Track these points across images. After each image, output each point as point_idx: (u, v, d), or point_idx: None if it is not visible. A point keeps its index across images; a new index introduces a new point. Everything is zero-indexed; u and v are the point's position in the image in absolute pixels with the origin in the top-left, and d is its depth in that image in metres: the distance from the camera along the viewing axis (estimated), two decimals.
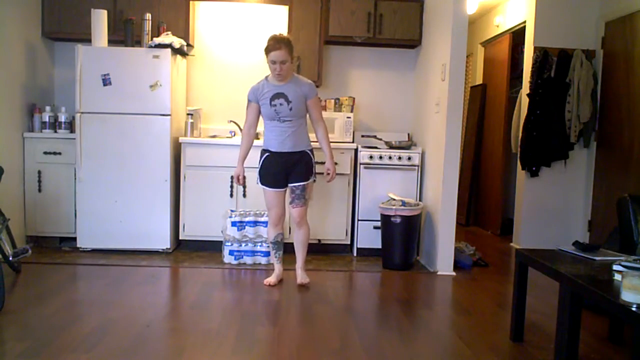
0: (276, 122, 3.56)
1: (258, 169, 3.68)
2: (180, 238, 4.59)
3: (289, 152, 3.60)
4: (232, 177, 4.52)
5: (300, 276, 3.75)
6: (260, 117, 3.69)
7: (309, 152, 3.67)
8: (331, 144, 4.61)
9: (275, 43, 3.41)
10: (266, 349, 2.63)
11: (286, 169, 3.61)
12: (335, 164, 3.85)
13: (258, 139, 4.91)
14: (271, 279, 3.73)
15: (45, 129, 4.51)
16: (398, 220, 4.20)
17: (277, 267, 3.79)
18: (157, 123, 4.35)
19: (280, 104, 3.51)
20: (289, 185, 3.67)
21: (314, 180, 3.76)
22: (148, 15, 4.46)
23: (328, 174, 3.71)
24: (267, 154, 3.64)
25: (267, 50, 3.44)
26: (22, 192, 4.47)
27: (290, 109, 3.52)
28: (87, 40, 4.41)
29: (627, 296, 1.95)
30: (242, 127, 4.91)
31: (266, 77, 3.62)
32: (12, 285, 3.51)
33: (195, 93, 5.06)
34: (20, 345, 2.56)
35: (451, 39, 4.07)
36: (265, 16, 5.04)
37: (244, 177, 3.71)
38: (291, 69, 3.54)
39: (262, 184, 3.66)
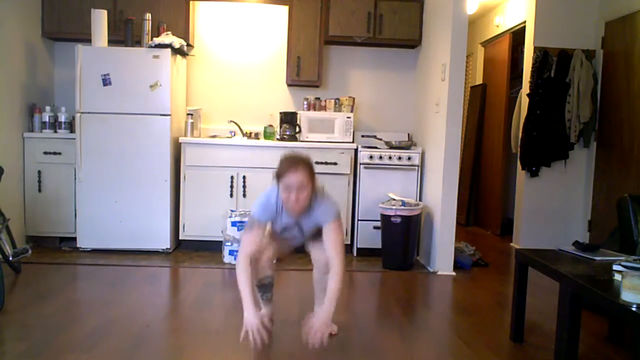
0: (282, 239, 2.85)
1: (254, 210, 2.75)
2: (180, 238, 4.59)
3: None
4: (232, 177, 4.52)
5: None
6: None
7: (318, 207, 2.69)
8: (331, 143, 4.65)
9: (291, 163, 2.54)
10: (266, 349, 2.63)
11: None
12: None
13: (258, 138, 4.94)
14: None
15: (45, 129, 4.51)
16: (398, 220, 4.20)
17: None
18: (157, 123, 4.35)
19: (293, 237, 2.83)
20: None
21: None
22: (148, 15, 4.46)
23: (309, 332, 2.43)
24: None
25: (280, 172, 2.55)
26: (22, 192, 4.47)
27: (303, 236, 2.80)
28: (87, 40, 4.41)
29: (627, 296, 1.95)
30: (242, 127, 4.94)
31: (279, 197, 2.64)
32: (12, 285, 3.50)
33: (195, 93, 5.06)
34: (20, 345, 2.56)
35: (451, 39, 4.07)
36: (265, 16, 5.04)
37: (266, 324, 2.53)
38: (309, 200, 2.59)
39: (259, 220, 2.71)
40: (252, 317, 2.45)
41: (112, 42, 4.47)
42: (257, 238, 2.66)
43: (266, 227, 2.73)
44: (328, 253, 2.59)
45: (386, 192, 4.52)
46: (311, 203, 2.60)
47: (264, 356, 2.58)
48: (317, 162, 4.54)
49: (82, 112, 4.30)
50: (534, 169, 5.12)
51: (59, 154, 4.48)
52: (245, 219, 4.26)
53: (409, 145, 4.74)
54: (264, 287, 2.85)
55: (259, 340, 2.41)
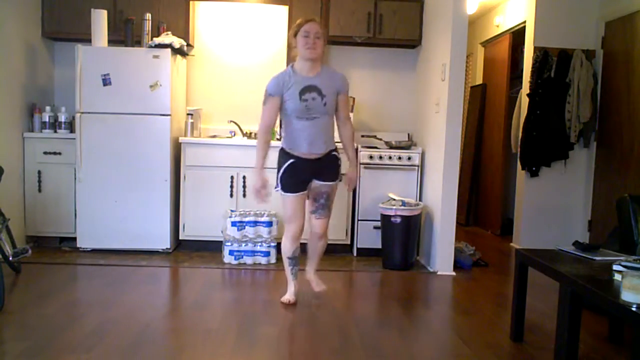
0: (305, 121, 3.05)
1: (279, 175, 3.16)
2: (180, 238, 4.59)
3: (318, 155, 3.13)
4: (232, 177, 4.52)
5: (316, 282, 3.42)
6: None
7: (337, 153, 3.24)
8: None
9: (308, 18, 3.12)
10: (266, 349, 2.63)
11: (313, 174, 3.17)
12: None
13: (255, 138, 4.92)
14: (290, 297, 3.28)
15: (45, 129, 4.51)
16: (398, 220, 4.20)
17: (294, 284, 3.32)
18: (157, 123, 4.35)
19: (313, 99, 3.02)
20: (314, 188, 3.20)
21: (340, 181, 3.31)
22: (148, 15, 4.46)
23: (348, 182, 3.33)
24: (292, 159, 3.12)
25: (299, 26, 3.08)
26: (22, 192, 4.47)
27: (325, 104, 3.04)
28: (87, 40, 4.41)
29: (627, 296, 1.95)
30: (242, 127, 4.94)
31: (291, 66, 3.13)
32: (12, 285, 3.51)
33: (195, 93, 5.06)
34: (20, 345, 2.56)
35: (451, 39, 4.07)
36: (265, 16, 5.04)
37: (266, 188, 3.09)
38: (322, 55, 3.10)
39: (285, 190, 3.15)
40: (257, 179, 3.07)
41: (112, 42, 4.47)
42: (271, 111, 3.09)
43: (276, 100, 3.05)
44: (342, 113, 3.19)
45: (386, 192, 4.52)
46: (322, 66, 3.11)
47: (264, 356, 2.58)
48: None
49: (82, 112, 4.30)
50: (534, 169, 5.12)
51: (59, 154, 4.48)
52: (246, 219, 4.26)
53: (409, 145, 4.74)
54: (295, 260, 3.29)
55: (264, 195, 3.05)
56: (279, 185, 3.16)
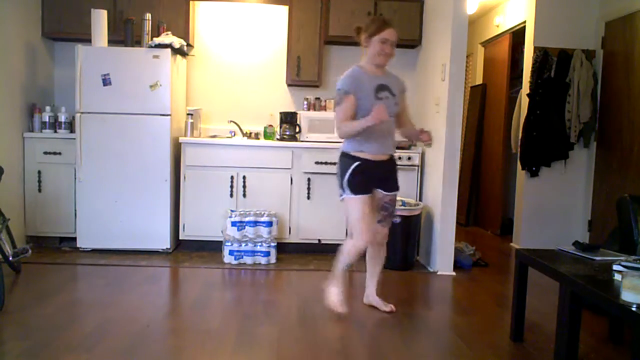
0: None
1: (345, 179, 2.98)
2: (180, 238, 4.59)
3: (387, 157, 3.05)
4: (232, 177, 4.52)
5: (383, 303, 3.28)
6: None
7: (394, 156, 3.16)
8: (331, 143, 4.65)
9: (388, 23, 2.97)
10: (266, 349, 2.63)
11: (378, 181, 3.05)
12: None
13: (258, 138, 4.94)
14: (341, 304, 3.14)
15: (45, 129, 4.51)
16: (398, 220, 4.19)
17: (341, 286, 3.20)
18: (157, 123, 4.35)
19: (387, 97, 2.96)
20: (378, 199, 3.08)
21: None
22: (148, 15, 4.46)
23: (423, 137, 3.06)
24: (358, 162, 2.97)
25: (378, 30, 2.94)
26: (22, 192, 4.47)
27: (396, 104, 3.01)
28: (87, 40, 4.41)
29: (627, 296, 1.95)
30: (242, 127, 4.94)
31: (358, 66, 3.03)
32: (12, 285, 3.51)
33: (195, 93, 5.06)
34: (20, 345, 2.56)
35: (451, 39, 4.07)
36: (265, 16, 5.04)
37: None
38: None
39: (355, 192, 2.96)
40: (373, 112, 2.79)
41: (112, 42, 4.47)
42: (348, 110, 2.91)
43: (352, 99, 2.90)
44: (407, 112, 3.20)
45: None
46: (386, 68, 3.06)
47: (264, 356, 2.58)
48: (317, 162, 4.55)
49: (82, 112, 4.30)
50: (534, 169, 5.12)
51: (59, 154, 4.48)
52: (246, 219, 4.26)
53: (409, 145, 4.74)
54: (349, 265, 3.13)
55: (384, 115, 2.78)
56: (345, 190, 2.98)
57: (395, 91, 3.00)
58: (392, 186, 3.11)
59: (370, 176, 2.99)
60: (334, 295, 3.16)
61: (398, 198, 4.39)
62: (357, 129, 2.86)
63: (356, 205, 2.96)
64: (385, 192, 3.08)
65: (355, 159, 2.97)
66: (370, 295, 3.32)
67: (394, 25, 2.98)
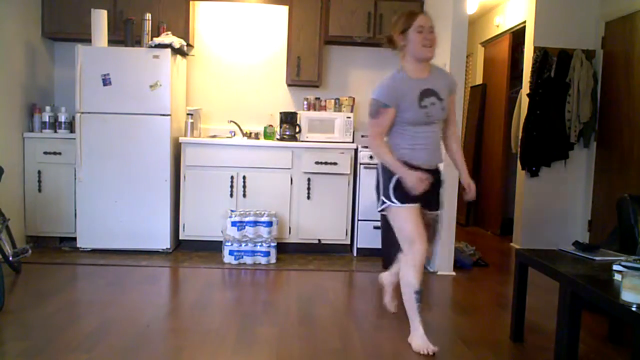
0: (422, 127, 2.61)
1: (390, 186, 2.62)
2: (180, 238, 4.59)
3: (434, 166, 2.72)
4: (232, 177, 4.52)
5: (391, 296, 3.11)
6: None
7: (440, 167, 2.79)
8: (331, 143, 4.65)
9: (412, 12, 2.66)
10: (266, 349, 2.63)
11: (424, 194, 2.60)
12: None
13: (258, 138, 4.94)
14: (428, 346, 2.60)
15: (45, 129, 4.51)
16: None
17: (422, 325, 2.66)
18: (157, 123, 4.35)
19: (432, 104, 2.58)
20: (426, 214, 2.71)
21: None
22: (148, 15, 4.46)
23: (466, 190, 2.79)
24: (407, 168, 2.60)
25: (409, 20, 2.60)
26: (22, 192, 4.47)
27: (443, 109, 2.62)
28: (87, 40, 4.41)
29: (627, 296, 1.95)
30: (242, 127, 4.94)
31: (400, 69, 2.68)
32: (12, 285, 3.50)
33: (195, 93, 5.06)
34: (20, 345, 2.56)
35: (451, 39, 4.07)
36: (265, 16, 5.04)
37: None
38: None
39: (402, 201, 2.59)
40: (409, 173, 2.54)
41: (112, 42, 4.47)
42: (384, 125, 2.60)
43: (391, 112, 2.56)
44: (452, 116, 2.76)
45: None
46: (432, 65, 2.67)
47: (264, 356, 2.58)
48: (317, 162, 4.55)
49: (82, 112, 4.30)
50: (534, 169, 5.12)
51: (59, 154, 4.48)
52: (246, 219, 4.26)
53: None
54: (421, 294, 2.63)
55: (424, 185, 2.53)
56: (391, 199, 2.60)
57: (442, 94, 2.61)
58: (435, 204, 2.73)
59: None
60: (417, 339, 2.64)
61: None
62: (388, 164, 2.59)
63: (405, 215, 2.59)
64: (427, 211, 2.69)
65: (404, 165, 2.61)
66: (388, 282, 3.06)
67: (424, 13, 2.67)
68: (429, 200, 2.66)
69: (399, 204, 2.59)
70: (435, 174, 2.70)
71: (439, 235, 2.85)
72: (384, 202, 2.65)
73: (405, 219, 2.60)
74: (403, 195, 2.58)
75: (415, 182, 2.51)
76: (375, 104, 2.61)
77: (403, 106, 2.57)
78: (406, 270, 2.61)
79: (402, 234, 2.63)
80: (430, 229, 2.73)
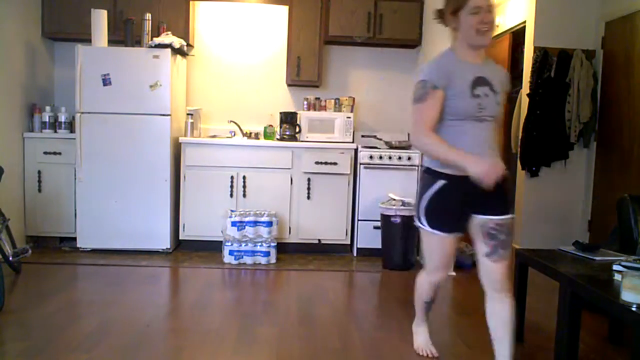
0: (472, 123, 2.15)
1: (422, 205, 2.24)
2: (180, 238, 4.59)
3: None
4: (232, 177, 4.52)
5: None
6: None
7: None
8: (331, 143, 4.65)
9: None
10: (266, 349, 2.63)
11: (476, 206, 2.19)
12: None
13: (258, 138, 4.94)
14: (427, 347, 2.66)
15: (45, 129, 4.51)
16: (398, 220, 4.20)
17: (426, 326, 2.74)
18: (157, 123, 4.35)
19: (486, 95, 2.14)
20: (484, 224, 2.19)
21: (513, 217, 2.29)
22: (148, 15, 4.46)
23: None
24: (442, 180, 2.17)
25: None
26: (22, 192, 4.47)
27: (498, 103, 2.19)
28: (87, 40, 4.41)
29: (627, 296, 1.95)
30: (242, 127, 4.93)
31: (451, 49, 2.28)
32: (12, 285, 3.50)
33: (195, 93, 5.06)
34: (20, 345, 2.56)
35: (451, 39, 4.06)
36: (265, 16, 5.04)
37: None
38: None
39: (432, 226, 2.23)
40: (476, 161, 2.03)
41: (112, 42, 4.47)
42: (434, 109, 2.14)
43: (440, 96, 2.12)
44: (501, 116, 2.30)
45: (386, 192, 4.52)
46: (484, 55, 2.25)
47: (264, 356, 2.58)
48: (317, 162, 4.55)
49: (82, 112, 4.30)
50: (534, 169, 5.12)
51: (59, 154, 4.48)
52: (246, 219, 4.26)
53: (409, 145, 4.74)
54: (430, 304, 2.67)
55: (496, 176, 2.02)
56: (421, 218, 2.26)
57: (497, 87, 2.18)
58: (500, 208, 2.19)
59: (458, 203, 2.19)
60: (419, 336, 2.71)
61: (398, 198, 4.41)
62: (444, 158, 2.12)
63: (435, 243, 2.29)
64: (491, 217, 2.18)
65: (440, 176, 2.18)
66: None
67: None
68: (486, 205, 2.18)
69: (428, 229, 2.25)
70: None
71: (508, 253, 2.21)
72: (415, 220, 2.31)
73: (434, 247, 2.31)
74: (435, 219, 2.22)
75: (486, 172, 2.01)
76: (422, 85, 2.16)
77: (452, 92, 2.12)
78: (422, 283, 2.60)
79: (428, 256, 2.41)
80: (496, 238, 2.17)
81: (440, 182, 2.18)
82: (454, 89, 2.13)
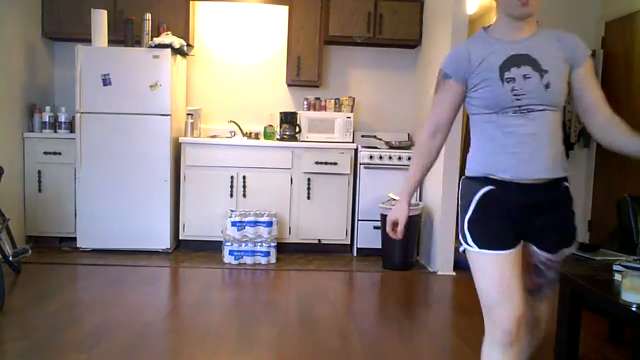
0: (511, 117, 1.66)
1: (464, 220, 1.74)
2: (180, 238, 4.59)
3: (538, 180, 1.67)
4: (232, 177, 4.52)
5: None
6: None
7: (569, 185, 1.75)
8: (331, 143, 4.65)
9: None
10: (266, 349, 2.63)
11: (524, 217, 1.70)
12: None
13: (258, 138, 4.94)
14: None
15: (45, 129, 4.51)
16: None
17: None
18: (157, 123, 4.35)
19: (525, 77, 1.64)
20: (533, 254, 1.77)
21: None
22: (148, 15, 4.46)
23: None
24: (487, 187, 1.71)
25: None
26: (22, 192, 4.47)
27: (547, 87, 1.63)
28: (87, 40, 4.41)
29: (627, 296, 1.95)
30: (242, 127, 4.93)
31: (484, 29, 1.78)
32: (12, 285, 3.51)
33: (195, 93, 5.06)
34: (20, 345, 2.56)
35: (451, 39, 4.07)
36: (265, 16, 5.04)
37: (404, 222, 1.83)
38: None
39: (479, 244, 1.70)
40: (399, 207, 1.83)
41: (112, 42, 4.47)
42: (444, 102, 1.77)
43: (453, 87, 1.74)
44: (591, 97, 1.70)
45: (386, 192, 4.52)
46: (537, 26, 1.73)
47: (264, 356, 2.58)
48: (317, 162, 4.55)
49: (82, 112, 4.30)
50: None
51: (59, 154, 4.48)
52: (246, 219, 4.26)
53: (409, 145, 4.74)
54: None
55: (393, 234, 1.84)
56: (467, 237, 1.73)
57: (547, 65, 1.63)
58: (555, 239, 1.73)
59: (508, 211, 1.70)
60: None
61: (398, 198, 4.38)
62: (407, 177, 1.86)
63: (485, 265, 1.72)
64: (538, 250, 1.74)
65: (482, 182, 1.72)
66: None
67: None
68: (538, 231, 1.71)
69: (476, 249, 1.70)
70: (542, 191, 1.68)
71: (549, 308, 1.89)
72: (461, 243, 1.78)
73: (484, 272, 1.72)
74: (484, 234, 1.70)
75: (388, 222, 1.85)
76: (438, 75, 1.81)
77: (476, 78, 1.69)
78: (487, 350, 1.70)
79: (479, 293, 1.77)
80: (543, 276, 1.79)
81: (484, 189, 1.71)
82: (477, 74, 1.70)
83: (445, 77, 1.77)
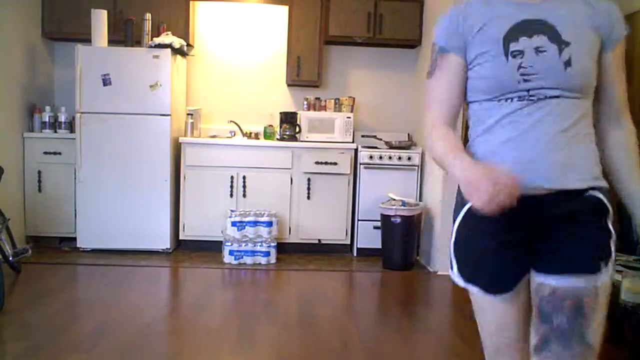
0: (515, 106, 1.24)
1: (452, 241, 1.37)
2: (180, 238, 4.59)
3: (555, 188, 1.23)
4: (232, 177, 4.52)
5: None
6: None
7: (603, 196, 1.31)
8: (331, 143, 4.65)
9: None
10: (266, 349, 2.63)
11: (527, 236, 1.28)
12: None
13: (258, 138, 4.94)
14: None
15: (45, 129, 4.51)
16: (398, 220, 4.20)
17: None
18: (157, 123, 4.35)
19: (537, 50, 1.22)
20: (538, 287, 1.28)
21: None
22: (148, 15, 4.46)
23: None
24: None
25: None
26: (22, 192, 4.47)
27: (568, 63, 1.22)
28: (87, 40, 4.40)
29: (627, 296, 1.95)
30: (242, 127, 4.93)
31: None
32: (12, 285, 3.51)
33: (195, 93, 5.06)
34: (20, 345, 2.56)
35: None
36: (265, 16, 5.04)
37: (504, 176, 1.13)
38: None
39: (465, 278, 1.37)
40: (478, 176, 1.13)
41: (112, 42, 4.47)
42: (444, 83, 1.32)
43: (454, 62, 1.31)
44: (616, 97, 1.33)
45: (386, 192, 4.52)
46: None
47: (264, 356, 2.58)
48: (317, 162, 4.55)
49: (82, 112, 4.30)
50: None
51: (59, 154, 4.48)
52: (246, 219, 4.26)
53: (409, 145, 4.75)
54: None
55: (506, 198, 1.10)
56: (451, 266, 1.39)
57: (569, 35, 1.24)
58: (565, 257, 1.25)
59: (502, 232, 1.28)
60: None
61: (398, 198, 4.41)
62: (440, 162, 1.30)
63: (476, 305, 1.46)
64: (541, 279, 1.28)
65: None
66: None
67: None
68: (546, 252, 1.27)
69: (461, 282, 1.37)
70: (555, 205, 1.24)
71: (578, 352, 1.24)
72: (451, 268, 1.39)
73: (477, 311, 1.46)
74: (462, 262, 1.35)
75: (471, 189, 1.15)
76: (431, 52, 1.38)
77: (472, 52, 1.29)
78: None
79: (484, 339, 1.50)
80: (550, 320, 1.25)
81: (469, 204, 1.26)
82: (475, 46, 1.28)
83: (442, 51, 1.33)
